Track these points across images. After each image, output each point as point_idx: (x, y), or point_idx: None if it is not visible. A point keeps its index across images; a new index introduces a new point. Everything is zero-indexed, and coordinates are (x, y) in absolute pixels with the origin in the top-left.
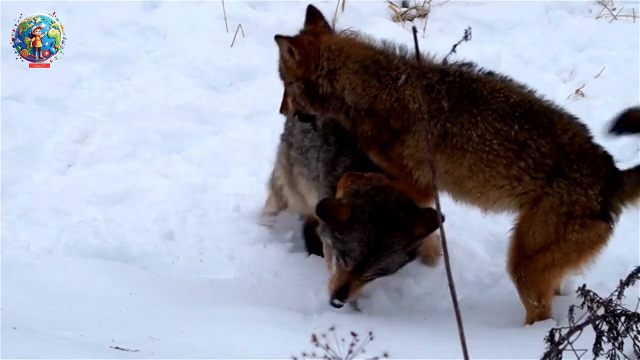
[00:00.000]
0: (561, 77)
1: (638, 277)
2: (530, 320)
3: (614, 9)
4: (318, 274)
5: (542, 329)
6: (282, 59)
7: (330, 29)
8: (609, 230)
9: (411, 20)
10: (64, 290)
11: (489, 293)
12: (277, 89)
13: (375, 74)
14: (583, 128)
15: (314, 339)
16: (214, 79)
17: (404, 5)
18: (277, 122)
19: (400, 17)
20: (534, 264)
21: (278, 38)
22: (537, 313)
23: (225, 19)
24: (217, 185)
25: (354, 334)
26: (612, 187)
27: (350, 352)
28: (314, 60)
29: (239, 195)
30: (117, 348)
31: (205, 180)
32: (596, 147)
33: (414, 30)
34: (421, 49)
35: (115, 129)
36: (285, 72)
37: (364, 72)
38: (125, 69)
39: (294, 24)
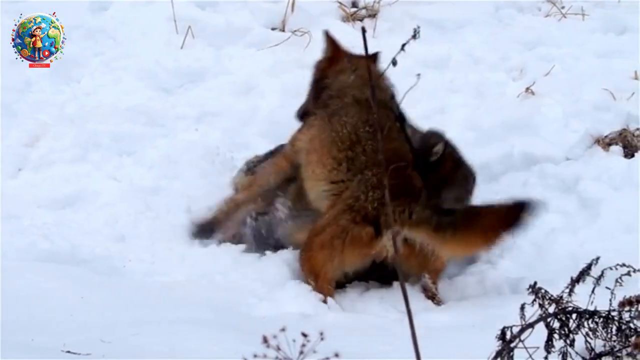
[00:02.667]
0: (511, 75)
1: (589, 274)
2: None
3: (563, 7)
4: (270, 275)
5: (493, 328)
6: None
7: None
8: (375, 239)
9: (361, 20)
10: (15, 295)
11: (441, 292)
12: (226, 91)
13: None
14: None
15: (265, 340)
16: (164, 81)
17: (354, 5)
18: (228, 124)
19: (350, 18)
20: (313, 243)
21: (327, 34)
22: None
23: (175, 21)
24: (168, 187)
25: (304, 335)
26: (396, 204)
27: (301, 352)
28: (334, 62)
29: (191, 197)
30: (68, 352)
31: (156, 183)
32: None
33: (363, 31)
34: (371, 49)
35: (65, 132)
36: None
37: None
38: (75, 72)
39: (243, 25)
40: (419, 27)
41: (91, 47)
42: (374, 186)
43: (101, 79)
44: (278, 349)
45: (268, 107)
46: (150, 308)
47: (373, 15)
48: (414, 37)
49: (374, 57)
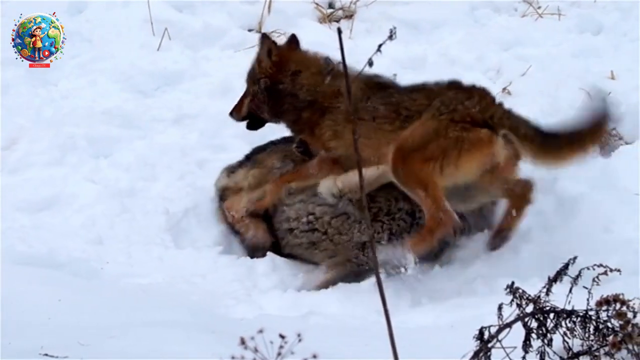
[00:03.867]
0: (487, 75)
1: (566, 274)
2: (430, 224)
3: (539, 8)
4: (247, 277)
5: (471, 328)
6: (258, 58)
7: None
8: (492, 136)
9: (337, 21)
10: None
11: (418, 293)
12: (203, 93)
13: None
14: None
15: (243, 342)
16: (141, 83)
17: (330, 6)
18: (204, 126)
19: (326, 19)
20: (411, 159)
21: (265, 37)
22: (429, 205)
23: (152, 23)
24: (145, 190)
25: (282, 336)
26: (497, 109)
27: (279, 354)
28: (284, 64)
29: (167, 199)
30: (46, 355)
31: (133, 185)
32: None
33: (339, 32)
34: (347, 50)
35: (42, 135)
36: (256, 70)
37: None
38: (51, 75)
39: (220, 27)
40: (395, 28)
41: (67, 49)
42: (466, 98)
43: (77, 82)
44: (256, 350)
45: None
46: (128, 310)
47: (349, 16)
48: (390, 37)
49: (295, 43)
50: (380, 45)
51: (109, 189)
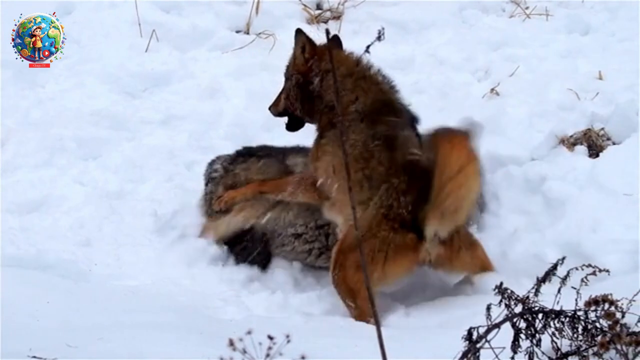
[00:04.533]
0: (476, 76)
1: (555, 274)
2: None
3: (527, 8)
4: (236, 279)
5: (460, 327)
6: (294, 53)
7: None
8: (418, 242)
9: (325, 22)
10: None
11: (407, 294)
12: (191, 94)
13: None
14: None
15: (231, 343)
16: (129, 85)
17: (318, 7)
18: (193, 127)
19: (314, 20)
20: (347, 261)
21: (299, 33)
22: (355, 315)
23: (139, 24)
24: (134, 191)
25: (271, 337)
26: (424, 202)
27: (267, 355)
28: (317, 62)
29: (156, 201)
30: (34, 357)
31: (122, 187)
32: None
33: (327, 33)
34: None
35: (30, 137)
36: (291, 65)
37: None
38: (39, 77)
39: (208, 28)
40: (383, 29)
41: None
42: (404, 191)
43: (65, 84)
44: (244, 351)
45: (233, 109)
46: (116, 312)
47: (337, 17)
48: (378, 38)
49: (337, 43)
50: (368, 46)
51: (97, 191)
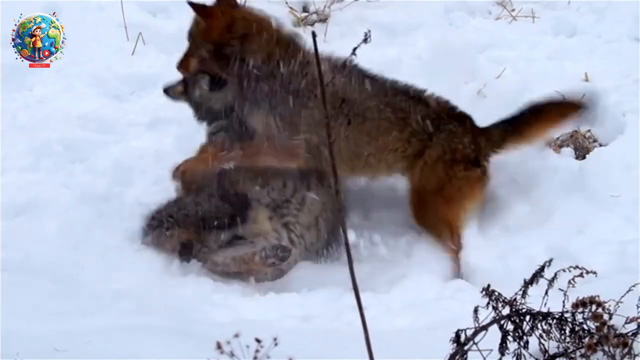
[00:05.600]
0: (462, 78)
1: (542, 276)
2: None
3: (513, 10)
4: (224, 282)
5: (447, 330)
6: (195, 21)
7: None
8: (484, 175)
9: (312, 25)
10: None
11: (393, 293)
12: None
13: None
14: (439, 97)
15: (219, 346)
16: (116, 88)
17: (305, 10)
18: (180, 130)
19: (300, 22)
20: (434, 201)
21: (191, 4)
22: (450, 251)
23: (126, 27)
24: (121, 194)
25: (258, 340)
26: (481, 138)
27: (255, 358)
28: (227, 26)
29: (144, 204)
30: None
31: (109, 190)
32: (455, 108)
33: (314, 35)
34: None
35: (18, 140)
36: (195, 33)
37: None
38: (27, 80)
39: None
40: (369, 31)
41: None
42: (464, 133)
43: (53, 87)
44: (232, 354)
45: None
46: (104, 315)
47: (324, 19)
48: (365, 41)
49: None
50: (355, 49)
51: (84, 194)
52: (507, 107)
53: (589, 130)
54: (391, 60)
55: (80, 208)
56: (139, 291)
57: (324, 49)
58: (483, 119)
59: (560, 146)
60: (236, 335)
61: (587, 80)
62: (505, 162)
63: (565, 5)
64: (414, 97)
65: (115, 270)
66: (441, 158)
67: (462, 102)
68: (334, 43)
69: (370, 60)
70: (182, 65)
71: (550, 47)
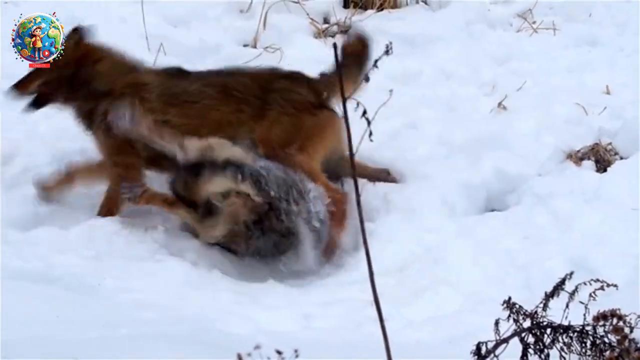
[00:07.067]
0: (483, 90)
1: (563, 289)
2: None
3: (534, 22)
4: (244, 292)
5: (468, 342)
6: (66, 44)
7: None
8: (332, 114)
9: (333, 36)
10: None
11: (414, 306)
12: None
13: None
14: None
15: (240, 358)
16: None
17: (325, 21)
18: None
19: (321, 34)
20: (291, 154)
21: (77, 30)
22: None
23: (147, 38)
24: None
25: (279, 352)
26: (318, 85)
27: None
28: (87, 54)
29: (164, 215)
30: None
31: None
32: (284, 70)
33: (335, 47)
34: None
35: (38, 150)
36: (62, 56)
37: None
38: None
39: (215, 42)
40: (391, 43)
41: None
42: (298, 85)
43: None
44: None
45: None
46: (124, 325)
47: (344, 31)
48: (386, 52)
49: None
50: (376, 61)
51: None
52: (528, 119)
53: (610, 143)
54: (412, 71)
55: (102, 218)
56: (159, 301)
57: None
58: (503, 131)
59: (581, 159)
60: (257, 347)
61: (608, 93)
62: (524, 174)
63: (586, 18)
64: (234, 72)
65: (136, 280)
66: (284, 113)
67: (483, 115)
68: None
69: (390, 71)
70: (20, 87)
71: (571, 60)
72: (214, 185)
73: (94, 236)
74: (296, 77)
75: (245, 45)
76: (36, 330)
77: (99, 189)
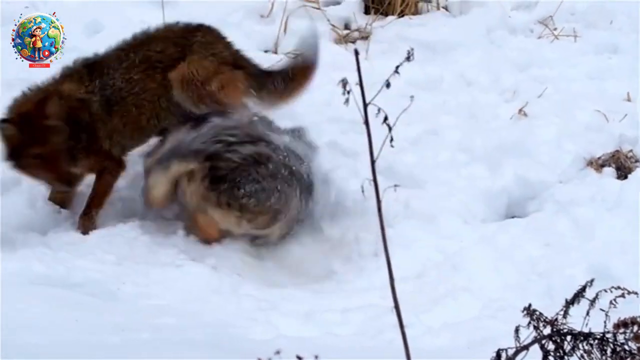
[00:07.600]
0: (504, 97)
1: (583, 296)
2: None
3: (555, 29)
4: (264, 299)
5: (488, 349)
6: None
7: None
8: (247, 75)
9: (353, 42)
10: (6, 317)
11: (434, 312)
12: None
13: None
14: None
15: None
16: None
17: (346, 27)
18: None
19: (342, 40)
20: (212, 91)
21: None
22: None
23: None
24: (163, 210)
25: (299, 358)
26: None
27: None
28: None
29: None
30: None
31: None
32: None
33: (356, 53)
34: (364, 70)
35: None
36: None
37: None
38: None
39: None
40: (412, 49)
41: None
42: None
43: None
44: None
45: None
46: (144, 330)
47: (365, 37)
48: (407, 59)
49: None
50: (397, 67)
51: (126, 210)
52: (549, 126)
53: (630, 150)
54: (432, 78)
55: (123, 223)
56: (179, 306)
57: (365, 66)
58: (524, 138)
59: (602, 166)
60: (277, 352)
61: (629, 100)
62: (545, 181)
63: (607, 24)
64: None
65: (156, 286)
66: (205, 58)
67: (504, 122)
68: (375, 60)
69: (411, 78)
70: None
71: (592, 67)
72: (157, 189)
73: (114, 241)
74: (209, 32)
75: (266, 51)
76: (56, 335)
77: (120, 195)
